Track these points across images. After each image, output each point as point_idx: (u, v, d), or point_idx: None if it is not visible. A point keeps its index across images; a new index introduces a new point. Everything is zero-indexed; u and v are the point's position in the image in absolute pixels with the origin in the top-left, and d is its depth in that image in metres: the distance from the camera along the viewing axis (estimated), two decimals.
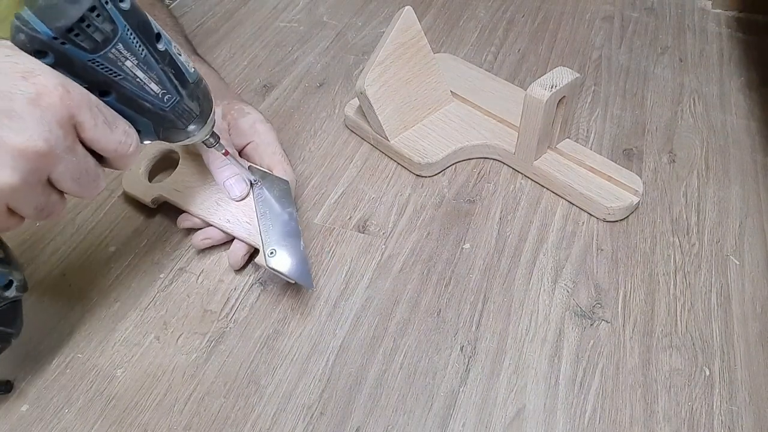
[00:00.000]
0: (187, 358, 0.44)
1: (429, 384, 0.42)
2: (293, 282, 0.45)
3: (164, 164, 0.56)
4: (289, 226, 0.47)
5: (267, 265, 0.45)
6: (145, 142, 0.39)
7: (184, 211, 0.50)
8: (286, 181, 0.49)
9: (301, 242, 0.46)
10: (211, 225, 0.49)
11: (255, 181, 0.49)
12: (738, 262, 0.50)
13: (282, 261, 0.45)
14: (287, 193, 0.48)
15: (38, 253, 0.50)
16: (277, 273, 0.45)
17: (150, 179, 0.54)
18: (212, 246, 0.50)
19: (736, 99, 0.65)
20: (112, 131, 0.33)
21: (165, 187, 0.51)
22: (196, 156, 0.52)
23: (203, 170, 0.50)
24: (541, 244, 0.51)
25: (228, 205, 0.49)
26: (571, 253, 0.50)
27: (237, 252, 0.48)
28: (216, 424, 0.40)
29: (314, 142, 0.61)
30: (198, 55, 0.59)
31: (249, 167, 0.50)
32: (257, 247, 0.46)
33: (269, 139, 0.51)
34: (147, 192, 0.52)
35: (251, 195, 0.49)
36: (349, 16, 0.78)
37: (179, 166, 0.52)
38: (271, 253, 0.45)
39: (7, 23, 0.56)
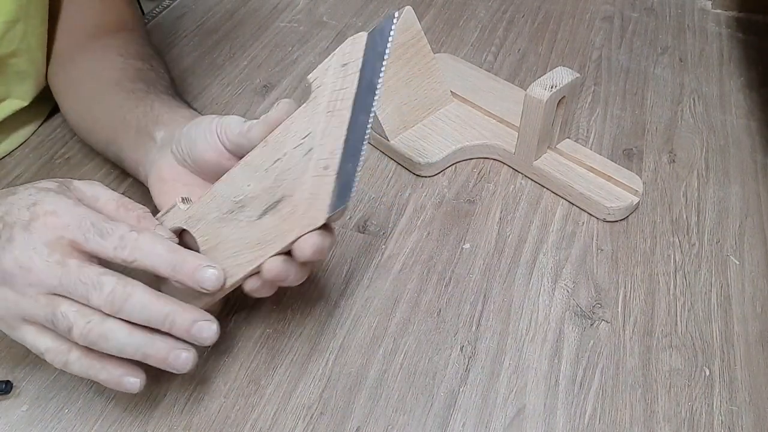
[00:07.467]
0: None
1: (429, 384, 0.42)
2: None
3: None
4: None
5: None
6: None
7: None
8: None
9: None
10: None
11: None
12: (738, 262, 0.50)
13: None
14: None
15: None
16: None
17: None
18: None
19: (736, 99, 0.65)
20: (105, 239, 0.35)
21: None
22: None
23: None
24: (541, 244, 0.51)
25: (250, 231, 0.37)
26: (571, 253, 0.50)
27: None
28: (216, 424, 0.40)
29: None
30: (184, 100, 0.53)
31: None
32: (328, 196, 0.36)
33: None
34: None
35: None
36: (349, 16, 0.78)
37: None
38: (326, 168, 0.36)
39: (23, 24, 0.55)
